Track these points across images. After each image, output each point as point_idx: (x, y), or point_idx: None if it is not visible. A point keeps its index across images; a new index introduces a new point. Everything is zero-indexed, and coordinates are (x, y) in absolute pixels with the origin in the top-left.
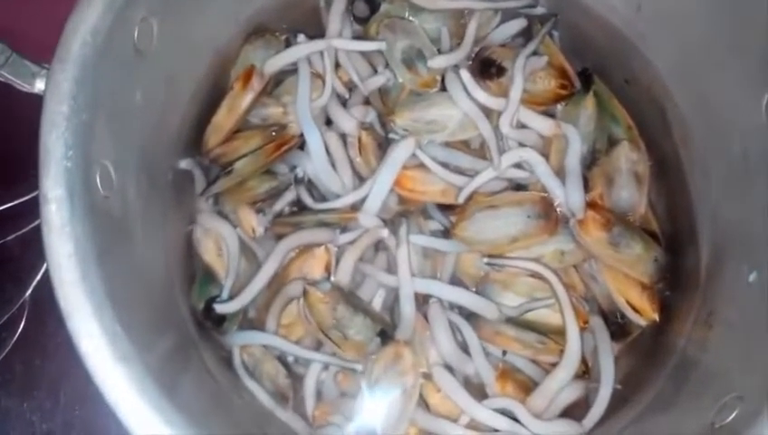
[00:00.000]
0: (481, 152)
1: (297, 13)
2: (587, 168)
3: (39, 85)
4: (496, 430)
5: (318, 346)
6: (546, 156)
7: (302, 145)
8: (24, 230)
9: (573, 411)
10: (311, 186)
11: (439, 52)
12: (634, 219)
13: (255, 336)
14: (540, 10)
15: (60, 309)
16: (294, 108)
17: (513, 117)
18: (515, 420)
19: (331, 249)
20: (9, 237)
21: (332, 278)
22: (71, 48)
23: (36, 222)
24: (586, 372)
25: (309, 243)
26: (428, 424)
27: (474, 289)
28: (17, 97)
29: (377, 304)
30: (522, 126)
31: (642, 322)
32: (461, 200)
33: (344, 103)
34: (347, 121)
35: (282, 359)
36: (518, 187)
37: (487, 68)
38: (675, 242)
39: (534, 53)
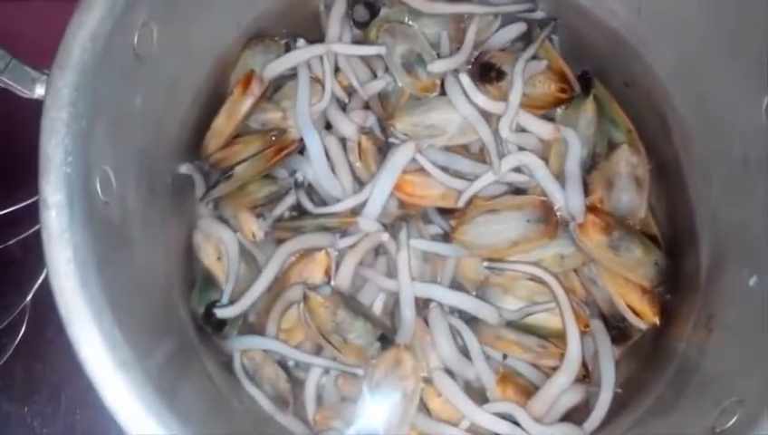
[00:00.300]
0: (481, 156)
1: (297, 17)
2: (587, 171)
3: (39, 91)
4: None
5: (318, 351)
6: (546, 160)
7: (301, 150)
8: (24, 235)
9: (574, 415)
10: (311, 190)
11: (439, 56)
12: (634, 223)
13: (256, 341)
14: (539, 14)
15: (59, 315)
16: (294, 112)
17: (513, 121)
18: (516, 424)
19: (331, 254)
20: (10, 242)
21: (332, 283)
22: (70, 54)
23: (37, 227)
24: (586, 375)
25: (309, 247)
26: (429, 429)
27: (474, 293)
28: (18, 102)
29: (377, 308)
30: (521, 130)
31: (643, 325)
32: (461, 204)
33: (344, 108)
34: (347, 126)
35: (282, 363)
36: (518, 191)
37: (487, 72)
38: (675, 245)
39: (534, 57)
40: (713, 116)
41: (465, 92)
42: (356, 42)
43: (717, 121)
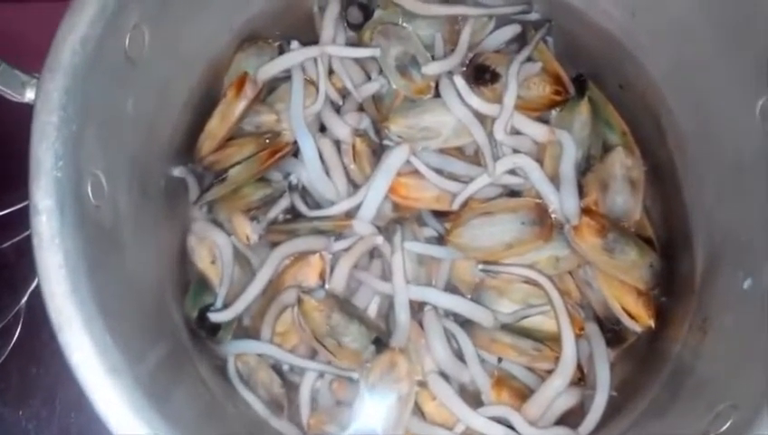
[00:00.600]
0: (475, 159)
1: (290, 20)
2: (582, 174)
3: (29, 95)
4: None
5: (313, 354)
6: (541, 162)
7: (296, 152)
8: (19, 238)
9: (569, 419)
10: (305, 193)
11: (433, 58)
12: (629, 225)
13: (250, 345)
14: (534, 16)
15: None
16: (288, 115)
17: (508, 123)
18: (511, 427)
19: (325, 257)
20: (4, 245)
21: (327, 286)
22: (60, 58)
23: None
24: (582, 378)
25: (303, 250)
26: (424, 432)
27: (469, 296)
28: (10, 104)
29: (372, 311)
30: (516, 132)
31: (638, 328)
32: (456, 207)
33: (338, 110)
34: (341, 128)
35: (276, 368)
36: (513, 193)
37: (481, 74)
38: (670, 248)
39: (529, 59)
40: (707, 118)
41: (459, 95)
42: (350, 44)
43: (712, 124)
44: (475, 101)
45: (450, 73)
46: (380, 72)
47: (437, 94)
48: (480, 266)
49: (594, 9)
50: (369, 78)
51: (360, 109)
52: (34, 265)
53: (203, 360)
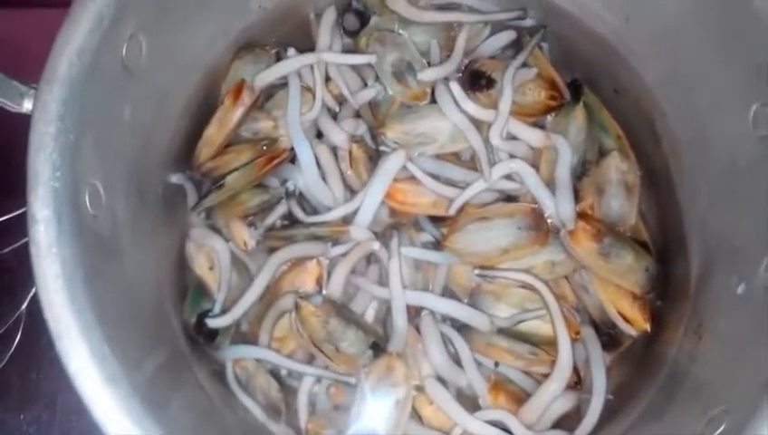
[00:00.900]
0: (471, 164)
1: (287, 27)
2: (577, 178)
3: (27, 105)
4: None
5: (311, 359)
6: (536, 167)
7: (293, 159)
8: (19, 243)
9: (565, 422)
10: (302, 199)
11: (429, 64)
12: (625, 230)
13: (248, 350)
14: (529, 22)
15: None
16: (285, 121)
17: (503, 128)
18: (508, 431)
19: (322, 262)
20: (4, 251)
21: (324, 291)
22: (57, 69)
23: None
24: (578, 382)
25: (301, 256)
26: None
27: (466, 300)
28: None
29: (369, 316)
30: (512, 137)
31: (633, 332)
32: (452, 212)
33: (335, 117)
34: (338, 135)
35: (274, 372)
36: (509, 198)
37: (477, 80)
38: (665, 252)
39: (524, 65)
40: (701, 124)
41: (455, 100)
42: (346, 51)
43: (705, 129)
44: (471, 107)
45: (446, 79)
46: (377, 78)
47: (433, 100)
48: (476, 271)
49: (589, 15)
50: (365, 84)
51: (357, 115)
52: None
53: (201, 366)
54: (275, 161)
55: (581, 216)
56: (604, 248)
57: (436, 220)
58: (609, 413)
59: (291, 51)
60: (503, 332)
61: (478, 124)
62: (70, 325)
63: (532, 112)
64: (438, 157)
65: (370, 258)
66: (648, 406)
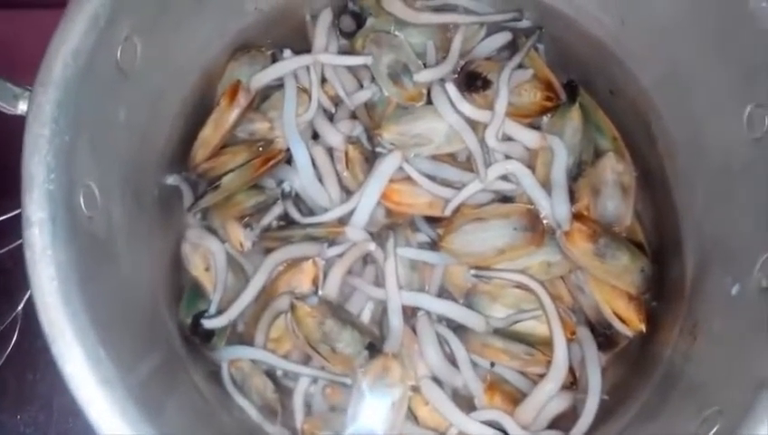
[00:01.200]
0: (467, 165)
1: (283, 28)
2: (573, 179)
3: (22, 107)
4: None
5: (306, 360)
6: (532, 168)
7: (289, 159)
8: (15, 244)
9: (561, 422)
10: (298, 200)
11: (425, 66)
12: (620, 230)
13: (244, 351)
14: (525, 23)
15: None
16: (281, 123)
17: (499, 129)
18: (503, 431)
19: (318, 263)
20: (0, 251)
21: (320, 292)
22: (52, 71)
23: None
24: (573, 382)
25: (297, 257)
26: None
27: (461, 301)
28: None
29: (365, 317)
30: (508, 138)
31: (629, 332)
32: (448, 213)
33: (331, 118)
34: (334, 136)
35: (270, 373)
36: (505, 199)
37: (473, 81)
38: (661, 253)
39: (520, 66)
40: (696, 125)
41: (451, 101)
42: (342, 52)
43: (700, 131)
44: (467, 108)
45: (442, 81)
46: (373, 79)
47: (430, 102)
48: (472, 272)
49: (584, 17)
50: (361, 86)
51: (353, 116)
52: None
53: (197, 367)
54: (271, 162)
55: (577, 216)
56: (600, 249)
57: (432, 221)
58: (605, 413)
59: (287, 52)
60: (498, 332)
61: (474, 125)
62: (64, 328)
63: (527, 113)
64: (434, 158)
65: (367, 259)
66: (642, 406)
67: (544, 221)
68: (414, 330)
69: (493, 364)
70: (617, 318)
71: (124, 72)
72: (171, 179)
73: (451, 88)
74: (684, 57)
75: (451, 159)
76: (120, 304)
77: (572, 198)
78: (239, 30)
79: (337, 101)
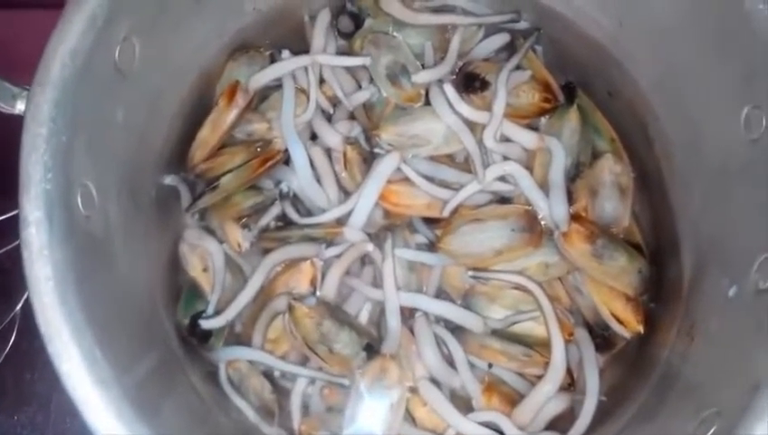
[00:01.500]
0: (465, 166)
1: (281, 29)
2: (571, 180)
3: (20, 106)
4: None
5: (304, 361)
6: (530, 169)
7: (287, 160)
8: (13, 244)
9: (559, 424)
10: (296, 201)
11: (423, 66)
12: (618, 231)
13: (242, 352)
14: (523, 25)
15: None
16: (279, 123)
17: (497, 130)
18: (501, 433)
19: (316, 264)
20: None
21: (318, 293)
22: (50, 71)
23: None
24: (571, 384)
25: (295, 257)
26: None
27: (459, 302)
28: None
29: (363, 318)
30: (506, 139)
31: (627, 333)
32: (446, 214)
33: (329, 118)
34: (332, 136)
35: (268, 374)
36: (503, 200)
37: (471, 82)
38: (658, 254)
39: (518, 67)
40: (693, 126)
41: (449, 102)
42: (341, 53)
43: (697, 132)
44: (465, 109)
45: (440, 82)
46: (371, 80)
47: (428, 102)
48: (470, 273)
49: (582, 18)
50: (359, 86)
51: (351, 117)
52: None
53: (194, 367)
54: (269, 163)
55: (575, 217)
56: (597, 250)
57: (430, 222)
58: (603, 414)
59: (285, 53)
60: (496, 333)
61: (472, 126)
62: (61, 328)
63: (525, 114)
64: (432, 159)
65: (364, 260)
66: (640, 407)
67: (542, 222)
68: (412, 331)
69: (490, 365)
70: (614, 319)
71: (122, 72)
72: (169, 180)
73: (449, 89)
74: (682, 59)
75: (449, 159)
76: (117, 304)
77: (570, 199)
78: (237, 30)
79: (335, 102)
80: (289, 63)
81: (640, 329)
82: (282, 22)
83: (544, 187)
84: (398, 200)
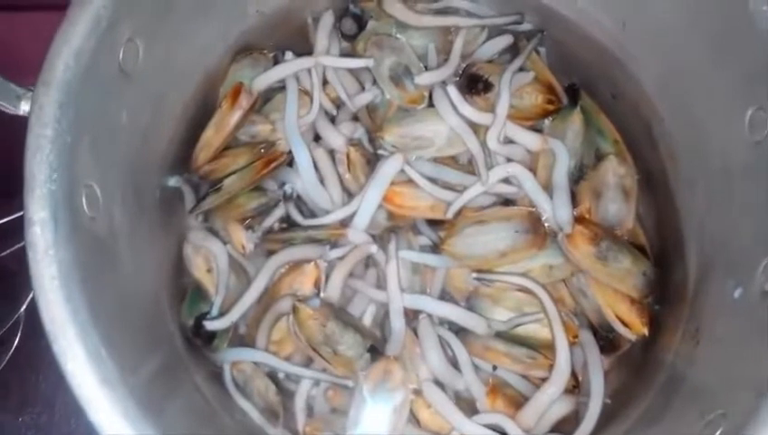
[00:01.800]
0: (469, 168)
1: (285, 31)
2: (574, 182)
3: (24, 107)
4: None
5: (308, 362)
6: (534, 171)
7: (290, 162)
8: (18, 246)
9: (563, 426)
10: (300, 202)
11: (426, 68)
12: (622, 233)
13: (246, 353)
14: (526, 26)
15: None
16: (283, 125)
17: (501, 132)
18: None
19: (320, 265)
20: (4, 253)
21: (322, 294)
22: (54, 72)
23: None
24: (576, 386)
25: (298, 259)
26: None
27: (463, 304)
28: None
29: (367, 319)
30: (509, 141)
31: (631, 336)
32: (450, 216)
33: (332, 120)
34: (335, 138)
35: (272, 375)
36: (506, 202)
37: (474, 84)
38: (663, 256)
39: (521, 69)
40: (698, 128)
41: (452, 104)
42: (344, 54)
43: (702, 133)
44: (469, 111)
45: (443, 83)
46: (374, 82)
47: (431, 104)
48: (474, 275)
49: (586, 20)
50: (362, 88)
51: (354, 119)
52: None
53: (198, 368)
54: (273, 164)
55: (579, 219)
56: (602, 252)
57: (434, 224)
58: (607, 417)
59: (288, 54)
60: (500, 335)
61: (476, 128)
62: (66, 326)
63: (529, 116)
64: (436, 160)
65: (368, 261)
66: (645, 410)
67: (546, 224)
68: (416, 333)
69: (495, 367)
70: (619, 322)
71: (126, 73)
72: (173, 181)
73: (452, 90)
74: (685, 60)
75: (452, 161)
76: (122, 304)
77: (574, 200)
78: (241, 32)
79: (338, 104)
80: (292, 65)
81: (645, 331)
82: (285, 24)
83: (548, 188)
84: (402, 202)
